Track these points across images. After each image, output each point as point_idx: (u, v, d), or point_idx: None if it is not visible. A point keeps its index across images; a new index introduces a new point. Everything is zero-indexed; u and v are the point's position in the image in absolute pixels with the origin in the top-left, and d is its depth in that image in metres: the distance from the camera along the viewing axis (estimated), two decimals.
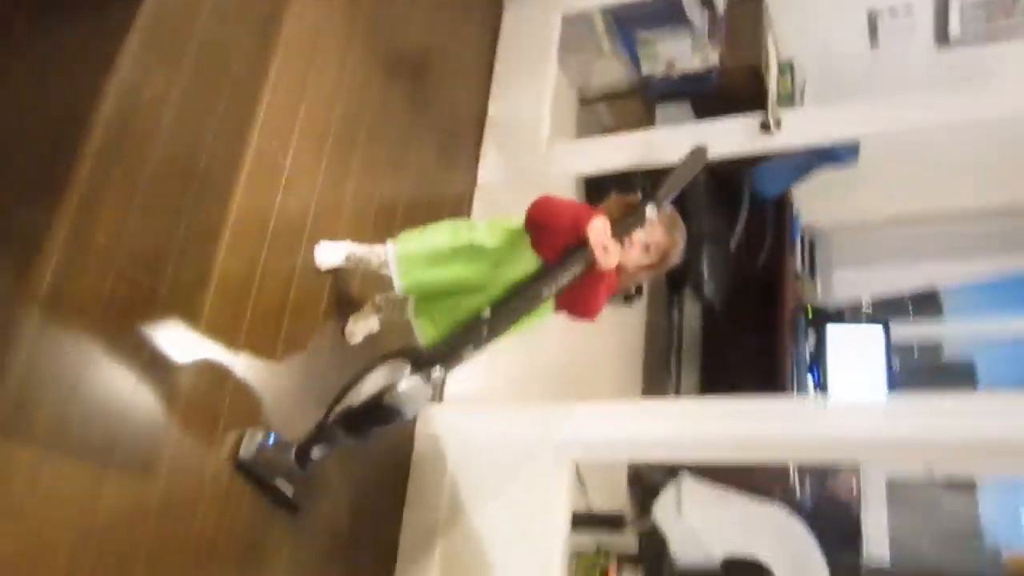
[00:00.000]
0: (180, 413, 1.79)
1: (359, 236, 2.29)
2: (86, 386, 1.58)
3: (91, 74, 1.66)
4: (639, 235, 1.88)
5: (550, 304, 1.91)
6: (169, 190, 1.80)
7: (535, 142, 3.24)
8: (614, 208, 1.90)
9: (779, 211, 4.18)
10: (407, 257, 2.03)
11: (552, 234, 1.88)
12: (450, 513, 2.53)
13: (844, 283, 4.73)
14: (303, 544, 2.14)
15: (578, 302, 1.90)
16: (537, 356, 3.06)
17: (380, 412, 1.69)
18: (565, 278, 1.79)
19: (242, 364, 1.97)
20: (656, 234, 1.89)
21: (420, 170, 2.79)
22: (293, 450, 1.91)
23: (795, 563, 2.65)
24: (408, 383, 1.67)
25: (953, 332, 4.69)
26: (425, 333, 2.03)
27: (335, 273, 2.29)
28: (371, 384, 1.73)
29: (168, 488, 1.74)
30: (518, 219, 1.96)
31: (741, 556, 2.88)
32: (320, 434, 1.85)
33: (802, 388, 4.05)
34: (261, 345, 2.04)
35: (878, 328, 4.18)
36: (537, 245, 1.92)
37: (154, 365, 1.74)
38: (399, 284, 2.03)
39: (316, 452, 1.90)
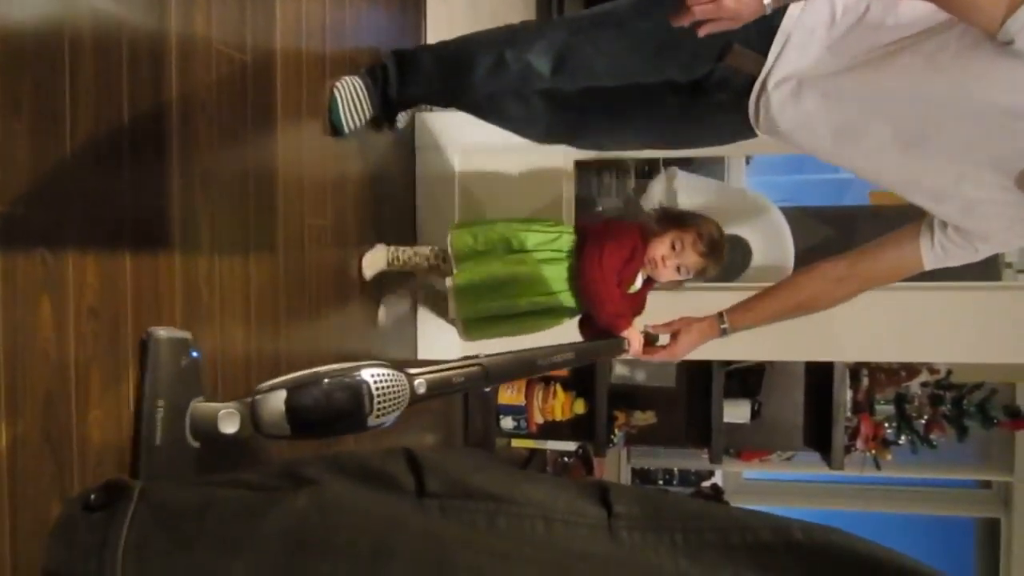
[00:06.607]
0: None
1: None
2: None
3: None
4: (672, 259, 1.97)
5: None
6: None
7: None
8: (662, 232, 2.00)
9: None
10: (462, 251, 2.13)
11: (590, 310, 2.00)
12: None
13: None
14: None
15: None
16: None
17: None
18: (579, 360, 1.91)
19: None
20: (689, 258, 1.98)
21: None
22: None
23: (769, 241, 3.05)
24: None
25: None
26: (461, 309, 2.15)
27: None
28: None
29: None
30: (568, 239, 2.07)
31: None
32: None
33: None
34: None
35: None
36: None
37: None
38: (453, 280, 2.15)
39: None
